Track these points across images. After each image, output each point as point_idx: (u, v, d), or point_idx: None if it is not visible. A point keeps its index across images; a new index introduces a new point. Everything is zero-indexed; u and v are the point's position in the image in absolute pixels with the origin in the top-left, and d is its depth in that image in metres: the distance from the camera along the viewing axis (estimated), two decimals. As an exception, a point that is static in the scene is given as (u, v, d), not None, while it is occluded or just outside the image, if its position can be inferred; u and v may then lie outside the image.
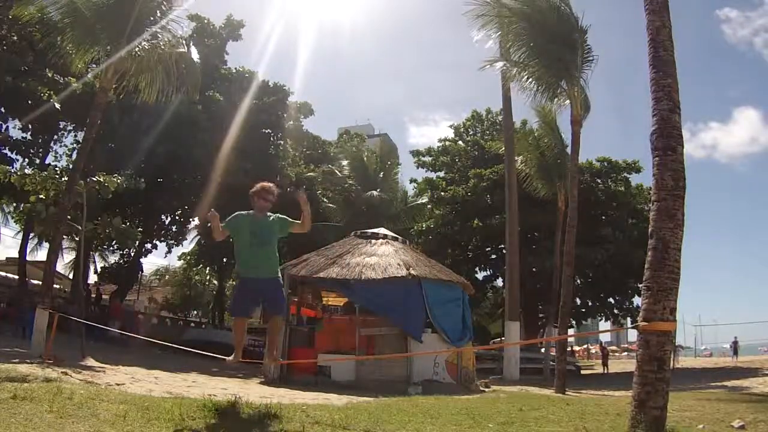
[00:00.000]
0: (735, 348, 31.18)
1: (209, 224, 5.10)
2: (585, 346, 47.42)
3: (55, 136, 21.90)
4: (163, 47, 11.95)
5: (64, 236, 16.91)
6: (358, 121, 77.55)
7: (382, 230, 14.00)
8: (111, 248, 26.69)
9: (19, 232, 24.11)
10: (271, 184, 5.16)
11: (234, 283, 38.40)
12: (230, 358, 5.42)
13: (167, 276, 41.16)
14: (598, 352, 36.00)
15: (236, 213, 5.05)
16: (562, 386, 11.21)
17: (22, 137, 19.96)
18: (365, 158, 25.33)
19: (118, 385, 6.88)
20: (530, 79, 13.09)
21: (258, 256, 4.94)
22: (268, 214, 5.03)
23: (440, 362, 11.10)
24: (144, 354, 13.50)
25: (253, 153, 21.37)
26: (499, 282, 26.77)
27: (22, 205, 14.32)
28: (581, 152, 13.73)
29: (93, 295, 26.33)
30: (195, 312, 41.61)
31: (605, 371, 23.79)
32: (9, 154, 19.43)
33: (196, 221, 24.13)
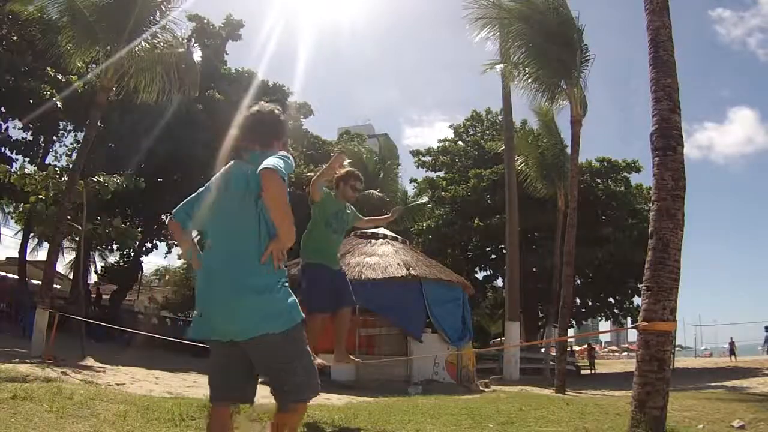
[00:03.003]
0: (732, 349, 31.26)
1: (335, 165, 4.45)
2: (585, 345, 47.41)
3: (55, 136, 21.89)
4: (162, 47, 11.95)
5: (64, 236, 16.90)
6: (358, 121, 77.46)
7: (382, 230, 13.99)
8: (111, 248, 26.66)
9: (19, 232, 24.12)
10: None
11: None
12: (323, 361, 4.71)
13: (167, 276, 41.13)
14: (598, 351, 36.24)
15: (327, 190, 4.69)
16: (562, 386, 11.21)
17: (22, 137, 19.96)
18: (365, 158, 25.30)
19: (118, 385, 6.88)
20: (530, 79, 13.12)
21: (333, 244, 4.73)
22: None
23: (440, 362, 11.10)
24: (144, 354, 13.49)
25: (254, 153, 21.35)
26: (499, 282, 26.82)
27: (22, 205, 14.31)
28: (581, 152, 13.74)
29: (93, 295, 26.34)
30: (195, 312, 41.55)
31: (592, 371, 23.83)
32: (9, 154, 19.43)
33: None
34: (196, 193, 2.67)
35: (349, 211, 4.80)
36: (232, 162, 2.62)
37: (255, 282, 2.27)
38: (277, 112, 2.70)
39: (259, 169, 2.22)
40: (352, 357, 5.23)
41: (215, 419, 2.44)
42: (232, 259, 2.31)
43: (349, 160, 4.37)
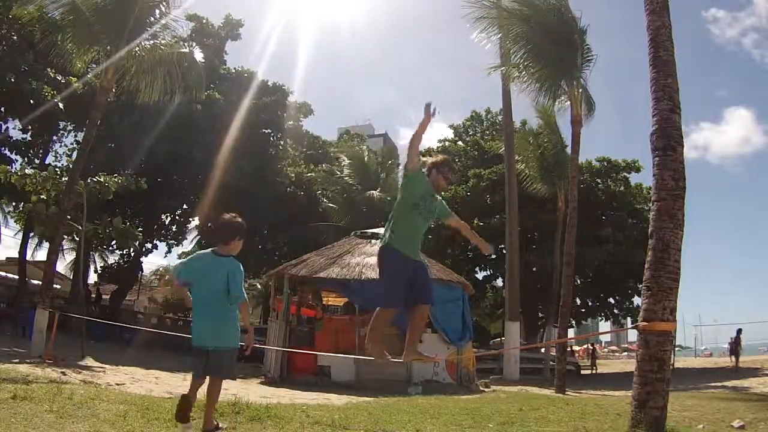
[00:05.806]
0: (732, 349, 31.22)
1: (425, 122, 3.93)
2: (585, 345, 47.42)
3: (55, 136, 21.88)
4: (163, 47, 11.94)
5: (64, 236, 16.89)
6: (358, 121, 77.57)
7: (382, 230, 13.98)
8: (111, 248, 26.66)
9: (19, 232, 24.11)
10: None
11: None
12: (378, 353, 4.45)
13: (167, 276, 41.11)
14: (599, 351, 36.43)
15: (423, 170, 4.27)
16: (562, 386, 11.21)
17: (22, 137, 19.95)
18: (365, 158, 25.30)
19: (118, 385, 6.89)
20: (531, 80, 13.11)
21: (417, 231, 4.21)
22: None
23: (440, 362, 11.10)
24: (144, 354, 13.49)
25: (253, 153, 21.35)
26: (499, 282, 26.78)
27: (22, 205, 14.30)
28: (581, 152, 13.73)
29: (93, 295, 26.35)
30: (195, 312, 41.48)
31: (593, 371, 23.85)
32: (9, 154, 19.41)
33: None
34: None
35: (438, 199, 4.33)
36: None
37: None
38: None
39: None
40: (422, 353, 4.71)
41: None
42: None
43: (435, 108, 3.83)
